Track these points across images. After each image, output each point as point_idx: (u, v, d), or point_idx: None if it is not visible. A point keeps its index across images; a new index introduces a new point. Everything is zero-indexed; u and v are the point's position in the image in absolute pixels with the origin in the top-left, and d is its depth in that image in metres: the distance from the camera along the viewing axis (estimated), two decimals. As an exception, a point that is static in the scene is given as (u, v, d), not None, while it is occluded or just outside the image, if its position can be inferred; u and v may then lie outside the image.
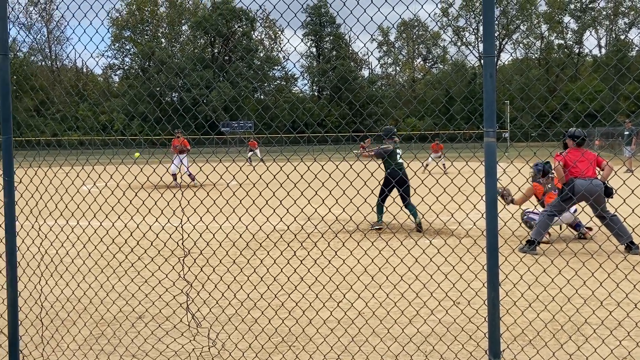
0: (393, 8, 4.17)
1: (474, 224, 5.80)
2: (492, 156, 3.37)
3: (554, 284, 4.80)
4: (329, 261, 5.16)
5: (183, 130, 19.35)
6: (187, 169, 18.19)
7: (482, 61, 3.36)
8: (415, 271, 5.13)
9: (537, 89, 45.10)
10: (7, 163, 3.91)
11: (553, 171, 8.63)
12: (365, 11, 4.11)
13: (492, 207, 3.37)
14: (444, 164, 22.92)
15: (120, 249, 5.20)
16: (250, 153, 32.76)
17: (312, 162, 4.36)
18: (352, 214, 5.38)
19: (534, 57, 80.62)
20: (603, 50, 78.13)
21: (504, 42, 79.91)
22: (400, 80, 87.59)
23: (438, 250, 5.03)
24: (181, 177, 18.40)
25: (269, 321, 4.73)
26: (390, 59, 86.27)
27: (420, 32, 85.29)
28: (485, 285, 3.40)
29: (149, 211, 4.82)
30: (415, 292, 4.88)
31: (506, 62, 79.77)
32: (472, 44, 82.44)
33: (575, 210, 8.44)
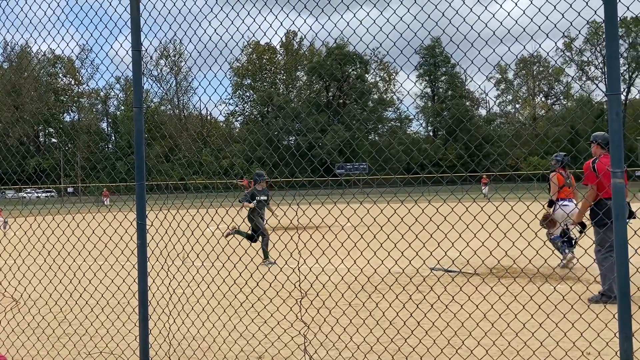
0: (509, 49, 4.12)
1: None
2: (620, 197, 3.21)
3: (697, 337, 4.40)
4: (446, 306, 5.05)
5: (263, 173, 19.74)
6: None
7: (607, 99, 3.23)
8: (538, 318, 4.90)
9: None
10: (140, 208, 4.22)
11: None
12: (479, 52, 4.09)
13: (622, 251, 3.19)
14: None
15: (241, 289, 5.40)
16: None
17: (427, 204, 4.34)
18: (469, 257, 5.26)
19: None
20: None
21: (634, 76, 75.48)
22: (520, 118, 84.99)
23: (563, 297, 4.79)
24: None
25: (386, 366, 4.68)
26: (509, 96, 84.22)
27: (540, 69, 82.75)
28: (617, 335, 3.19)
29: (267, 254, 4.99)
30: (540, 341, 4.64)
31: (637, 97, 75.23)
32: (599, 79, 78.66)
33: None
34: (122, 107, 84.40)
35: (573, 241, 8.03)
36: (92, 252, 5.58)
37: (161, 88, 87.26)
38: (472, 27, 4.00)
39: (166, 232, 4.64)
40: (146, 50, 4.61)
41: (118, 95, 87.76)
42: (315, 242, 4.86)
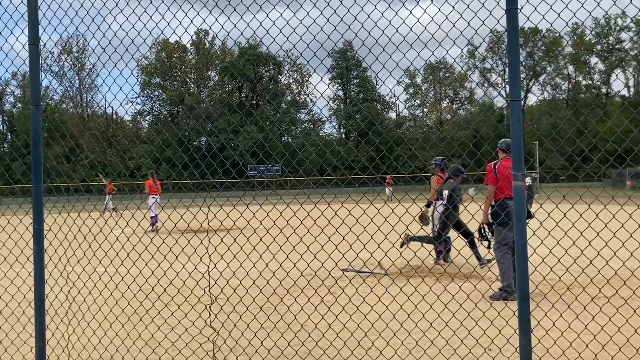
0: (418, 54, 4.20)
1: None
2: (521, 199, 3.33)
3: (588, 331, 4.65)
4: (357, 307, 5.08)
5: (155, 171, 19.51)
6: (152, 211, 18.24)
7: (509, 105, 3.35)
8: (445, 317, 5.02)
9: (566, 130, 44.78)
10: (37, 211, 3.97)
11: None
12: (390, 57, 4.14)
13: (522, 251, 3.31)
14: None
15: (147, 296, 5.20)
16: (108, 198, 27.62)
17: (340, 206, 4.35)
18: (381, 258, 5.33)
19: (561, 98, 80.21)
20: (631, 91, 77.50)
21: (530, 84, 79.72)
22: (428, 122, 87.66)
23: (468, 295, 4.94)
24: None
25: (296, 370, 4.65)
26: (417, 100, 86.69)
27: (447, 75, 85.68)
28: (517, 331, 3.32)
29: (176, 258, 4.83)
30: (445, 339, 4.76)
31: (534, 104, 79.57)
32: (499, 85, 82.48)
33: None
34: (19, 105, 79.81)
35: (488, 242, 8.33)
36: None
37: (62, 85, 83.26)
38: (383, 31, 4.04)
39: (65, 237, 4.40)
40: (44, 44, 4.36)
41: (14, 92, 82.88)
42: (227, 245, 4.75)
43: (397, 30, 4.01)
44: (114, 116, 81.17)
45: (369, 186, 39.36)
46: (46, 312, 4.00)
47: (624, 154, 4.06)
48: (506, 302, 6.69)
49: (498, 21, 3.61)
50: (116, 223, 4.89)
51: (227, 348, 5.22)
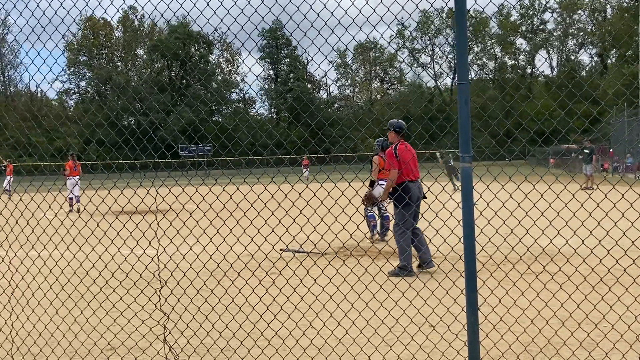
0: (354, 37, 4.23)
1: (452, 248, 5.85)
2: (468, 181, 3.42)
3: (532, 307, 4.87)
4: (309, 289, 5.13)
5: (77, 153, 19.66)
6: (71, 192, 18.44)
7: (457, 87, 3.43)
8: (394, 297, 5.14)
9: (494, 109, 46.07)
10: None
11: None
12: (327, 39, 4.16)
13: (469, 231, 3.40)
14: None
15: (94, 280, 5.08)
16: (8, 179, 27.45)
17: (277, 189, 4.36)
18: (331, 241, 5.39)
19: (488, 78, 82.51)
20: (555, 71, 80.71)
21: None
22: (358, 102, 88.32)
23: (417, 275, 5.06)
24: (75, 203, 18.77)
25: (249, 351, 4.67)
26: (347, 80, 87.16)
27: (376, 54, 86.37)
28: (465, 309, 3.43)
29: (124, 242, 4.73)
30: (395, 318, 4.87)
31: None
32: (428, 65, 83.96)
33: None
34: None
35: (379, 209, 8.63)
36: None
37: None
38: (318, 14, 4.04)
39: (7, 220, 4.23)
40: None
41: None
42: (175, 229, 4.69)
43: (331, 13, 4.03)
44: (40, 94, 77.54)
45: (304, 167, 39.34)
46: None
47: (549, 133, 4.22)
48: (454, 281, 6.89)
49: (447, 4, 3.65)
50: (60, 207, 4.74)
51: (177, 331, 5.18)
